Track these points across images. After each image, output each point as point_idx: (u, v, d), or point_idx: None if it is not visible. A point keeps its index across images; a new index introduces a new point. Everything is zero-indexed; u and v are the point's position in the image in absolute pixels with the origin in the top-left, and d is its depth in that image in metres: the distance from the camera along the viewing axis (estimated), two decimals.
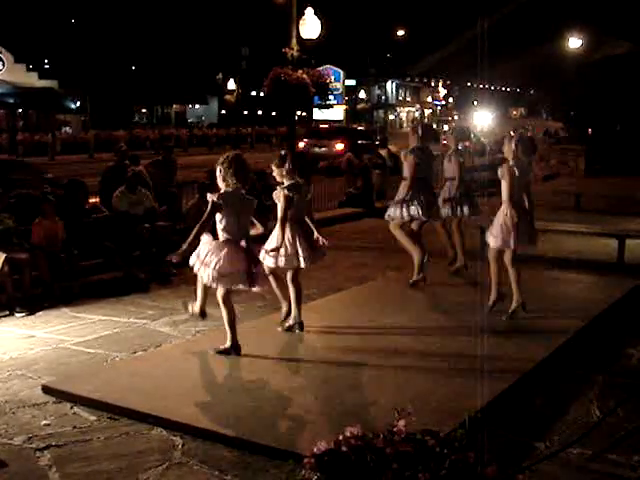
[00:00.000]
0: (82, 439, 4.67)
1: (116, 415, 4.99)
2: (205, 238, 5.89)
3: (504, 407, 5.14)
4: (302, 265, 6.51)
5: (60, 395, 5.35)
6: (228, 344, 6.02)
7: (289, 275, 6.64)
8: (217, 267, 5.74)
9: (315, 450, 3.06)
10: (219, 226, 5.89)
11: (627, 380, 5.84)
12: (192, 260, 5.87)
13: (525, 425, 4.98)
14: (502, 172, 7.02)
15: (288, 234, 6.43)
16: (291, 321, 6.71)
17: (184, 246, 5.79)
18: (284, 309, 6.83)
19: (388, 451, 2.99)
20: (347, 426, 3.16)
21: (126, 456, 4.44)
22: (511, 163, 7.07)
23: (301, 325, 6.69)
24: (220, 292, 5.91)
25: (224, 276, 5.77)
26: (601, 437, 4.72)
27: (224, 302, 5.94)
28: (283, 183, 6.47)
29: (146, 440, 4.66)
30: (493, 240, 7.09)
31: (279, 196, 6.37)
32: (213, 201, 5.79)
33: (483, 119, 55.41)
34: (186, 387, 5.39)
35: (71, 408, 5.17)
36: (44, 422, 4.94)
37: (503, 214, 7.03)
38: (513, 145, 7.09)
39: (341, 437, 3.09)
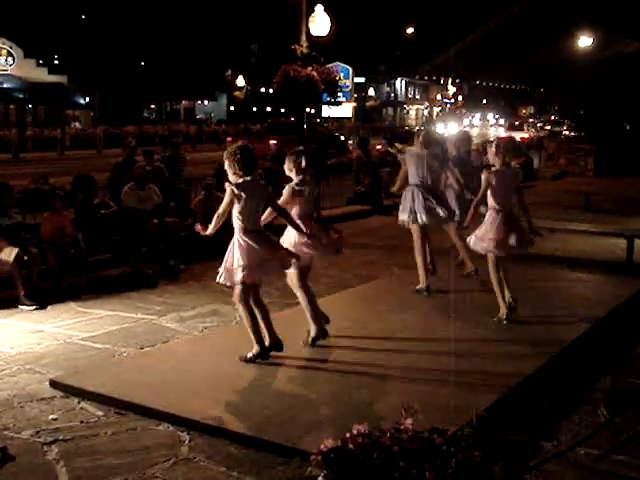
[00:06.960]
0: (89, 434, 4.69)
1: (123, 410, 5.00)
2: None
3: (511, 406, 5.13)
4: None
5: (68, 390, 5.37)
6: (256, 349, 5.81)
7: (294, 279, 6.23)
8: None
9: (322, 447, 3.06)
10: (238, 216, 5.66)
11: (635, 380, 5.82)
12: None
13: (532, 424, 4.96)
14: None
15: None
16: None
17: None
18: (315, 330, 6.31)
19: (395, 449, 2.99)
20: (354, 424, 3.15)
21: (133, 451, 4.45)
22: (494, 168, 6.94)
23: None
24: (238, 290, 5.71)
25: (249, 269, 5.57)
26: (609, 437, 4.71)
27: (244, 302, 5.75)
28: (292, 179, 6.26)
29: (153, 435, 4.67)
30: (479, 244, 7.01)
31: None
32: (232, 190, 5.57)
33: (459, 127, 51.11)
34: (193, 383, 5.40)
35: (78, 403, 5.19)
36: (52, 416, 4.95)
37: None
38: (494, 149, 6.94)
39: (348, 435, 3.09)
